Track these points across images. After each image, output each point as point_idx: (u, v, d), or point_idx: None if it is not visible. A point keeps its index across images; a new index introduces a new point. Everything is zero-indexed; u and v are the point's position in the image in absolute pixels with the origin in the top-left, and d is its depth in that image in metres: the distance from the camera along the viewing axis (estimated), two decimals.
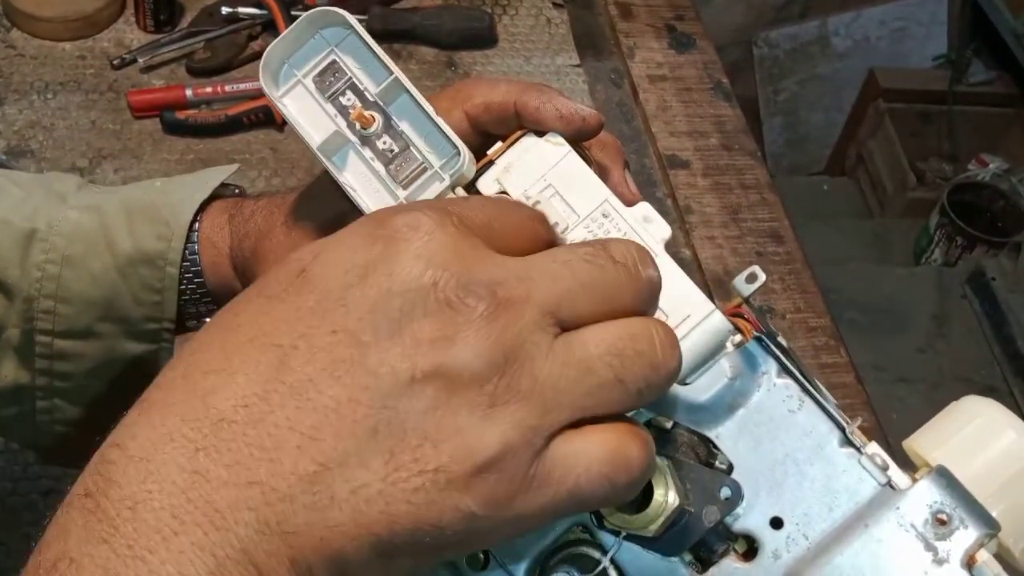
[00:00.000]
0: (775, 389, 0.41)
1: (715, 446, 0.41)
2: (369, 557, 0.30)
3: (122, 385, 0.58)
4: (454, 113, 0.48)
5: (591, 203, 0.44)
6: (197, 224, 0.57)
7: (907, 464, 0.43)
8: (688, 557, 0.40)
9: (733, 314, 0.43)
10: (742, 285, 0.41)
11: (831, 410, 0.41)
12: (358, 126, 0.45)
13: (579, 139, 0.47)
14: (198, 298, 0.58)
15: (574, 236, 0.43)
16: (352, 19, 0.45)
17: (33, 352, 0.56)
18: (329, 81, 0.46)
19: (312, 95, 0.46)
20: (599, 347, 0.32)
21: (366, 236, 0.32)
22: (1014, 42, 2.16)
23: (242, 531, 0.29)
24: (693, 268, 1.06)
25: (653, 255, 0.42)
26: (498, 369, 0.30)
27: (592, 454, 0.32)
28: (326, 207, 0.51)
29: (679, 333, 0.41)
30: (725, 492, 0.39)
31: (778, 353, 0.41)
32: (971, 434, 0.41)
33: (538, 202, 0.44)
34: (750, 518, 0.40)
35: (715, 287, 1.04)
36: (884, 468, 0.40)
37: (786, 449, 0.40)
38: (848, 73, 2.53)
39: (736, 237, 1.10)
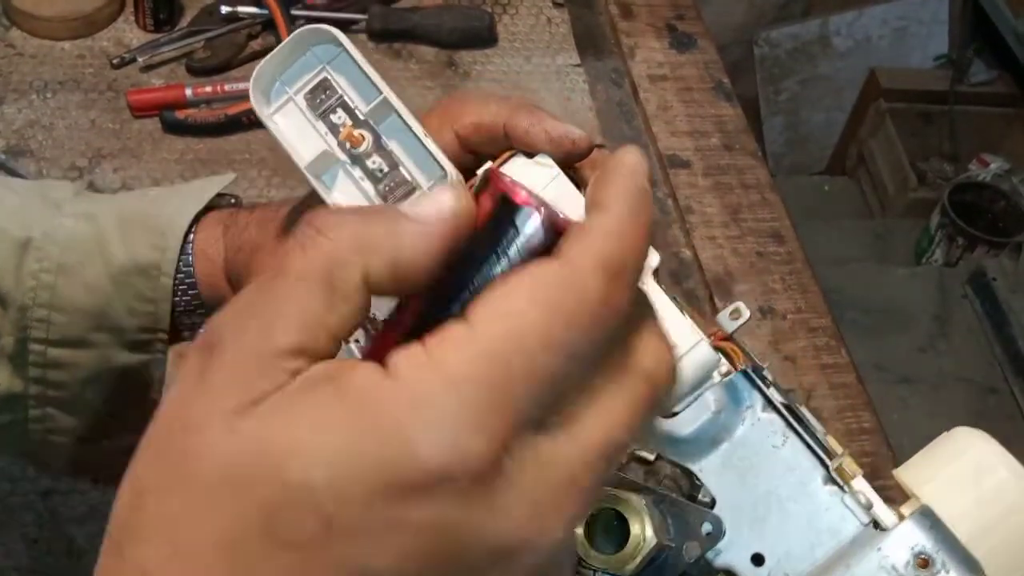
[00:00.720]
0: (759, 424, 0.41)
1: (698, 480, 0.41)
2: None
3: (115, 395, 0.58)
4: (444, 132, 0.47)
5: None
6: (192, 235, 0.57)
7: (899, 487, 0.42)
8: None
9: (721, 339, 0.43)
10: (726, 321, 0.40)
11: (815, 446, 0.40)
12: (348, 145, 0.45)
13: (569, 162, 0.46)
14: (192, 309, 0.57)
15: None
16: (343, 37, 0.44)
17: (27, 361, 0.56)
18: (320, 99, 0.45)
19: (303, 112, 0.45)
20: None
21: (374, 446, 0.26)
22: (1015, 42, 2.15)
23: None
24: (694, 268, 1.06)
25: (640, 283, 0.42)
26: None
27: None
28: None
29: None
30: (707, 527, 0.39)
31: (763, 387, 0.41)
32: (961, 468, 0.41)
33: None
34: (731, 554, 0.40)
35: (716, 287, 1.04)
36: (868, 507, 0.40)
37: (769, 485, 0.40)
38: (849, 73, 2.53)
39: (737, 237, 1.10)
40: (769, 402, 0.41)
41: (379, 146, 0.45)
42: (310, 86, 0.45)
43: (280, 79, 0.45)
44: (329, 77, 0.45)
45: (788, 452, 0.40)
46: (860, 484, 0.40)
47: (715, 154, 1.17)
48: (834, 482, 0.40)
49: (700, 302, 1.04)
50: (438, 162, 0.44)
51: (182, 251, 0.56)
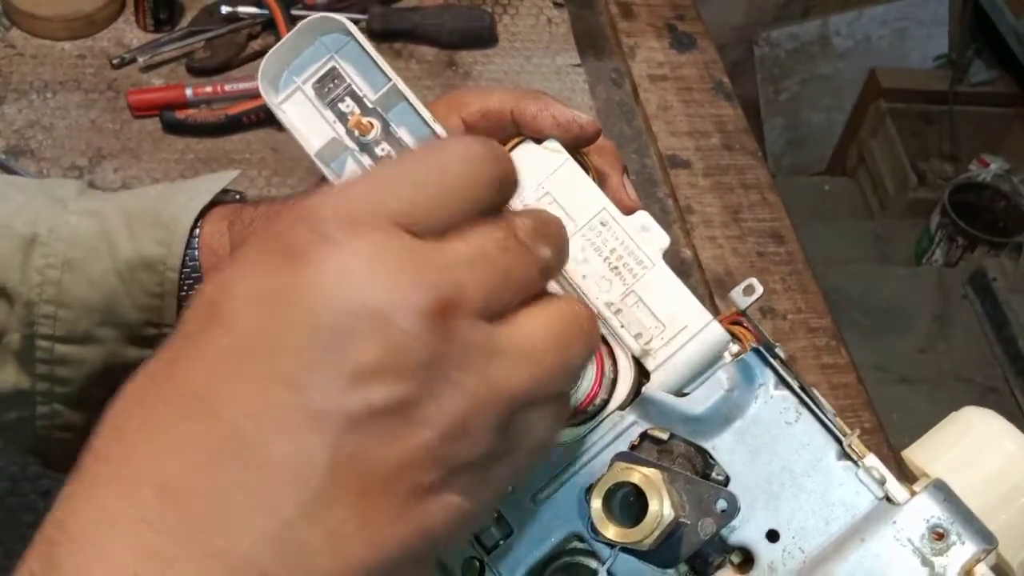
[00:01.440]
0: (772, 401, 0.41)
1: (712, 458, 0.41)
2: None
3: None
4: (451, 120, 0.48)
5: (589, 211, 0.44)
6: (198, 230, 0.57)
7: (906, 472, 0.42)
8: (684, 568, 0.40)
9: (731, 323, 0.43)
10: (739, 297, 0.41)
11: (828, 422, 0.40)
12: (356, 133, 0.45)
13: (577, 146, 0.47)
14: None
15: (572, 245, 0.43)
16: (351, 25, 0.45)
17: (34, 357, 0.56)
18: (328, 87, 0.46)
19: (311, 101, 0.46)
20: (543, 335, 0.32)
21: (272, 256, 0.29)
22: (1015, 42, 2.15)
23: None
24: (694, 268, 1.06)
25: (650, 265, 0.42)
26: (448, 380, 0.29)
27: (541, 431, 0.33)
28: None
29: (677, 343, 0.41)
30: (721, 504, 0.38)
31: (775, 365, 0.41)
32: (969, 445, 0.41)
33: None
34: (746, 530, 0.40)
35: (716, 287, 1.04)
36: (881, 482, 0.40)
37: (783, 461, 0.40)
38: (849, 73, 2.53)
39: (737, 237, 1.10)
40: (782, 379, 0.41)
41: (388, 133, 0.45)
42: (318, 75, 0.45)
43: (288, 68, 0.46)
44: (337, 66, 0.45)
45: (801, 428, 0.40)
46: (872, 461, 0.40)
47: (715, 154, 1.17)
48: (848, 457, 0.40)
49: (700, 301, 1.04)
50: None
51: (188, 246, 0.56)
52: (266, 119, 1.06)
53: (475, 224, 0.32)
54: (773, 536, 0.40)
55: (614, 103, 1.20)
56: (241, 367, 0.28)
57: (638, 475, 0.37)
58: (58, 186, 0.59)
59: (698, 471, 0.40)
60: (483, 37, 1.20)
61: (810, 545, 0.39)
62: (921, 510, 0.38)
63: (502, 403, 0.30)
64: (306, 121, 0.46)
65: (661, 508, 0.37)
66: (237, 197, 0.62)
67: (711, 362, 0.41)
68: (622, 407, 0.42)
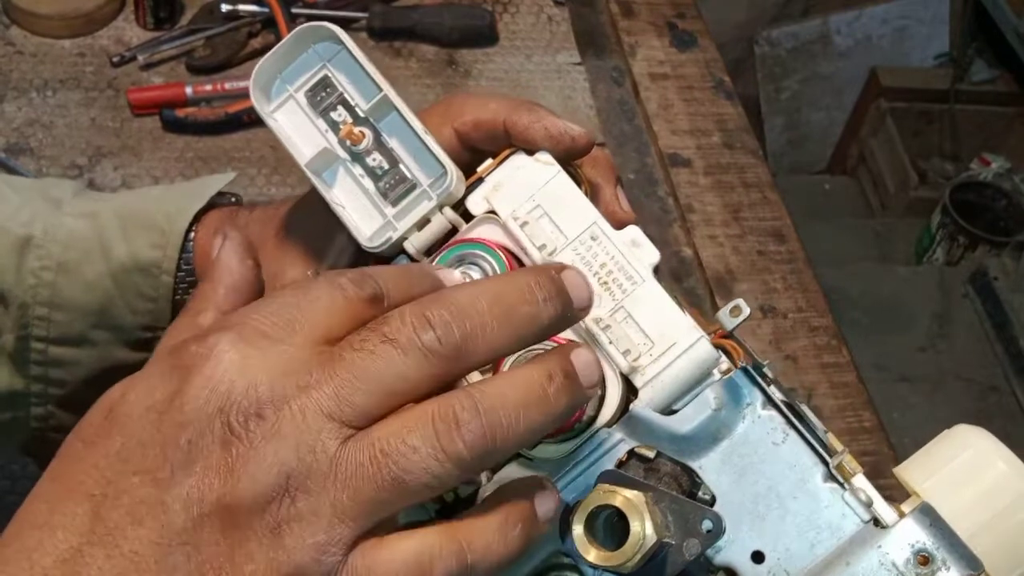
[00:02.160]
0: (759, 421, 0.40)
1: (698, 477, 0.41)
2: None
3: None
4: (444, 130, 0.48)
5: (579, 225, 0.44)
6: (193, 233, 0.57)
7: (899, 487, 0.42)
8: None
9: (722, 337, 0.42)
10: (726, 318, 0.40)
11: (816, 443, 0.40)
12: (348, 143, 0.45)
13: (569, 158, 0.46)
14: None
15: (562, 258, 0.43)
16: (343, 34, 0.44)
17: (28, 359, 0.56)
18: (321, 96, 0.45)
19: (303, 110, 0.45)
20: (386, 446, 0.31)
21: (166, 369, 0.33)
22: (1016, 41, 2.15)
23: None
24: (694, 267, 1.06)
25: (640, 280, 0.42)
26: (280, 490, 0.30)
27: (393, 566, 0.32)
28: (316, 222, 0.50)
29: (665, 360, 0.41)
30: (707, 524, 0.38)
31: (763, 384, 0.41)
32: (961, 466, 0.41)
33: (526, 223, 0.44)
34: (731, 551, 0.40)
35: (716, 286, 1.04)
36: (868, 504, 0.39)
37: (769, 482, 0.40)
38: (850, 72, 2.53)
39: (738, 236, 1.09)
40: (769, 399, 0.41)
41: (379, 143, 0.45)
42: (311, 83, 0.45)
43: (280, 76, 0.45)
44: (329, 75, 0.45)
45: (788, 449, 0.40)
46: (860, 481, 0.40)
47: (716, 153, 1.16)
48: (834, 479, 0.39)
49: (701, 301, 1.04)
50: (438, 160, 0.44)
51: (183, 249, 0.56)
52: None
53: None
54: (758, 558, 0.39)
55: (615, 102, 1.20)
56: (124, 467, 0.32)
57: (620, 498, 0.37)
58: (54, 186, 0.59)
59: (684, 490, 0.40)
60: (483, 35, 1.20)
61: (795, 567, 0.39)
62: (907, 534, 0.38)
63: (336, 527, 0.31)
64: (298, 130, 0.45)
65: (643, 531, 0.36)
66: (232, 200, 0.62)
67: (700, 379, 0.41)
68: (609, 424, 0.42)
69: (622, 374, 0.42)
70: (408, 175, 0.45)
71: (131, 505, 0.31)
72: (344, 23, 1.14)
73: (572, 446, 0.42)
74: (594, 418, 0.42)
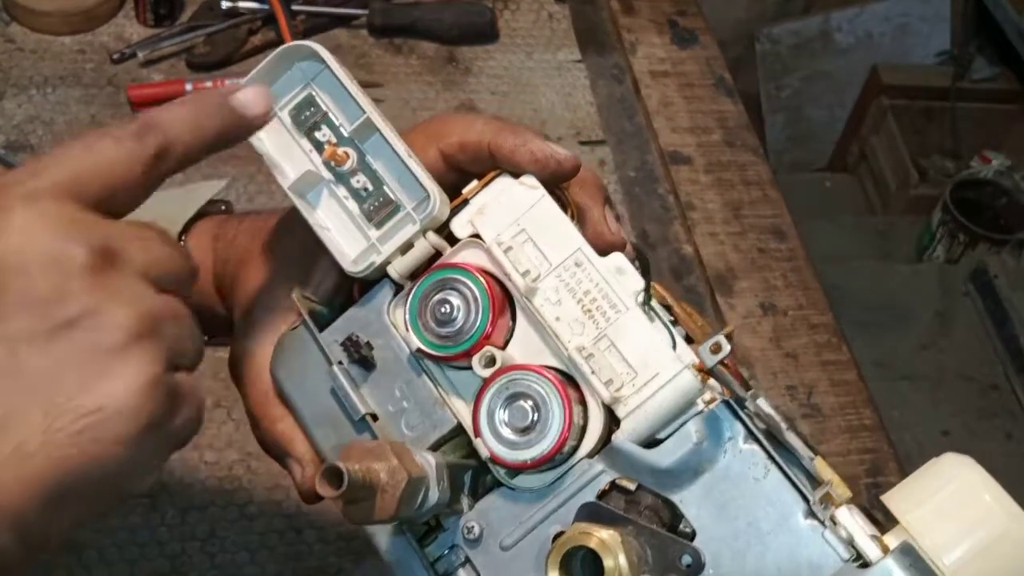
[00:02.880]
0: (741, 455, 0.40)
1: (679, 510, 0.40)
2: (41, 507, 0.33)
3: None
4: (429, 150, 0.47)
5: (564, 251, 0.43)
6: (182, 243, 0.56)
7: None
8: None
9: (702, 373, 0.42)
10: (707, 355, 0.39)
11: (797, 479, 0.40)
12: (332, 163, 0.45)
13: (554, 182, 0.46)
14: None
15: (546, 285, 0.43)
16: (326, 54, 0.44)
17: None
18: (305, 115, 0.45)
19: (287, 129, 0.45)
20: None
21: None
22: (1017, 38, 2.15)
23: None
24: (695, 264, 1.06)
25: (623, 308, 0.41)
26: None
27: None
28: (303, 237, 0.50)
29: (648, 391, 0.41)
30: (686, 559, 0.38)
31: (745, 418, 0.40)
32: (948, 496, 0.40)
33: (510, 247, 0.43)
34: None
35: (717, 283, 1.04)
36: (849, 541, 0.39)
37: (750, 518, 0.40)
38: (851, 69, 2.52)
39: (738, 233, 1.09)
40: (751, 433, 0.40)
41: (364, 164, 0.45)
42: (295, 102, 0.45)
43: None
44: (314, 93, 0.45)
45: (770, 485, 0.40)
46: (844, 516, 0.40)
47: (716, 150, 1.16)
48: (815, 516, 0.39)
49: (701, 298, 1.04)
50: (420, 183, 0.44)
51: None
52: None
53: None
54: None
55: (615, 99, 1.20)
56: None
57: (595, 539, 0.37)
58: None
59: (665, 523, 0.40)
60: (484, 33, 1.20)
61: None
62: (886, 574, 0.38)
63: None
64: (281, 150, 0.45)
65: (617, 565, 0.36)
66: (223, 208, 0.61)
67: (682, 410, 0.41)
68: (591, 455, 0.42)
69: (605, 405, 0.42)
70: (392, 197, 0.45)
71: None
72: (344, 20, 1.13)
73: (553, 476, 0.42)
74: (576, 448, 0.42)
